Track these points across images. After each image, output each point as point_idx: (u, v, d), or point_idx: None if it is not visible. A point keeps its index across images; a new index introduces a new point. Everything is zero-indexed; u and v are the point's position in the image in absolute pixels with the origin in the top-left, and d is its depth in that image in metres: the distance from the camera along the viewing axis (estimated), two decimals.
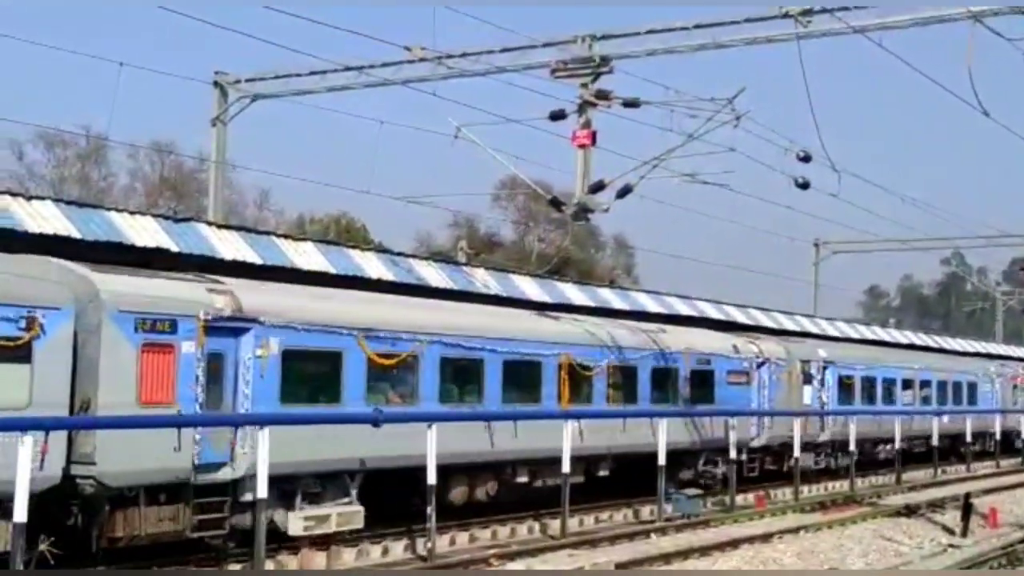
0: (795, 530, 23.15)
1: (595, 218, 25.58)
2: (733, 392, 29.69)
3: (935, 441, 37.56)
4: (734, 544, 21.02)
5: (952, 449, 41.72)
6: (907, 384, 40.45)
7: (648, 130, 23.91)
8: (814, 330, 42.81)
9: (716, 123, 22.51)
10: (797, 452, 29.65)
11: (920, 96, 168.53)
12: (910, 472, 37.12)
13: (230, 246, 21.34)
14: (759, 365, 31.26)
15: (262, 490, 16.09)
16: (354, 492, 19.31)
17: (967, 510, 23.74)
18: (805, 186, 24.41)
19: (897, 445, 35.32)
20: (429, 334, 20.85)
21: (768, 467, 31.73)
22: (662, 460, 24.09)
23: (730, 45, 23.93)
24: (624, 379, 25.93)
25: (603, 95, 22.55)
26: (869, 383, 37.66)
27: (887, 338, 49.17)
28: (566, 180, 24.38)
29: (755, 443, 30.35)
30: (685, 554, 19.79)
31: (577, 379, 24.38)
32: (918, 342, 51.28)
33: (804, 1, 22.88)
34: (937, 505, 27.58)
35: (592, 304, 30.61)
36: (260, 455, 16.08)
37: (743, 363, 30.46)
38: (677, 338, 28.29)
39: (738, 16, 23.56)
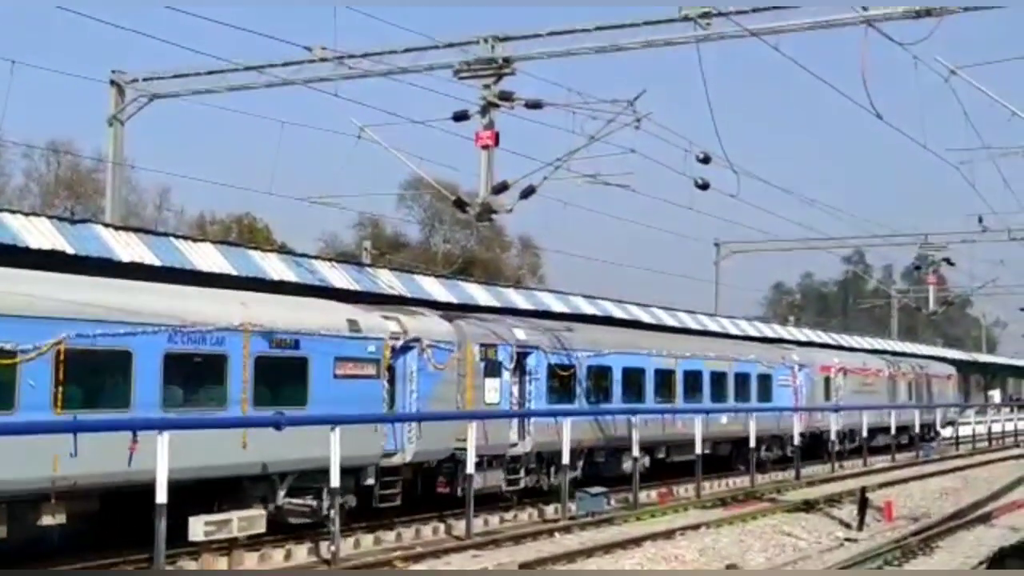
0: (697, 527, 23.44)
1: (500, 219, 25.57)
2: (347, 389, 20.71)
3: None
4: (637, 542, 21.21)
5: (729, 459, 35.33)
6: (664, 376, 32.02)
7: (551, 131, 24.16)
8: (715, 328, 42.87)
9: (617, 125, 22.82)
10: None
11: (817, 98, 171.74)
12: (809, 467, 37.83)
13: (128, 248, 21.04)
14: (400, 350, 22.46)
15: (161, 495, 15.77)
16: None
17: (863, 504, 24.32)
18: (705, 187, 24.81)
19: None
20: None
21: (441, 490, 23.86)
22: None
23: (630, 48, 24.09)
24: (104, 371, 17.18)
25: (506, 96, 22.67)
26: (601, 375, 29.25)
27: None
28: (472, 181, 24.45)
29: (395, 460, 22.03)
30: (589, 552, 19.92)
31: None
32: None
33: (704, 3, 23.14)
34: (835, 500, 28.14)
35: (498, 304, 30.67)
36: (160, 461, 15.73)
37: (367, 346, 21.39)
38: (234, 310, 19.02)
39: (638, 19, 23.77)
